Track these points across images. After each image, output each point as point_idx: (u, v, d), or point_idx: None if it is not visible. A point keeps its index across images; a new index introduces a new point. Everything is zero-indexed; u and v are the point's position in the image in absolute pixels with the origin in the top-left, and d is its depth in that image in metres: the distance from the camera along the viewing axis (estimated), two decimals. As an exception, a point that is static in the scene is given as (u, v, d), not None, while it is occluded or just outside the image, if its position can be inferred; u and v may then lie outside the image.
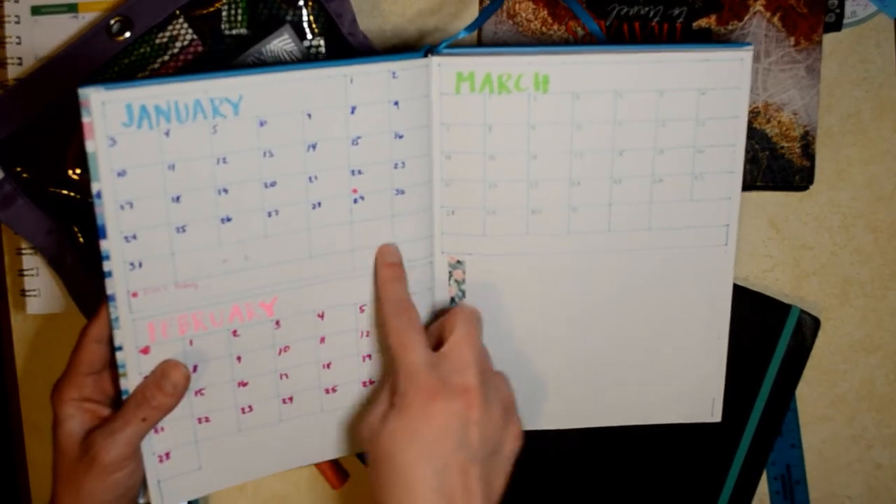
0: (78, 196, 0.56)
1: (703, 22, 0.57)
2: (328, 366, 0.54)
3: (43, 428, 0.64)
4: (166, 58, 0.56)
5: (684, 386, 0.58)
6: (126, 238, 0.46)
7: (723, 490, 0.61)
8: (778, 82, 0.58)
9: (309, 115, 0.49)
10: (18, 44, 0.56)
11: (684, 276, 0.56)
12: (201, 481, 0.53)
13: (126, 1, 0.54)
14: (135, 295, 0.47)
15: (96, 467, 0.47)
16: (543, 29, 0.57)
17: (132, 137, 0.45)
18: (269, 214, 0.49)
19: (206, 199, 0.47)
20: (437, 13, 0.59)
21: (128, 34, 0.54)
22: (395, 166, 0.52)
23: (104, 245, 0.46)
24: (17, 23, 0.56)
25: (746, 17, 0.57)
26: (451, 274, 0.56)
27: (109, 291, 0.47)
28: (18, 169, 0.56)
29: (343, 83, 0.49)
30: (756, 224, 0.61)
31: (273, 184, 0.49)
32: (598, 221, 0.55)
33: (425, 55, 0.51)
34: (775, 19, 0.57)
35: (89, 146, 0.44)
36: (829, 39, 0.58)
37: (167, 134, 0.45)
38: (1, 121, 0.55)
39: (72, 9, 0.56)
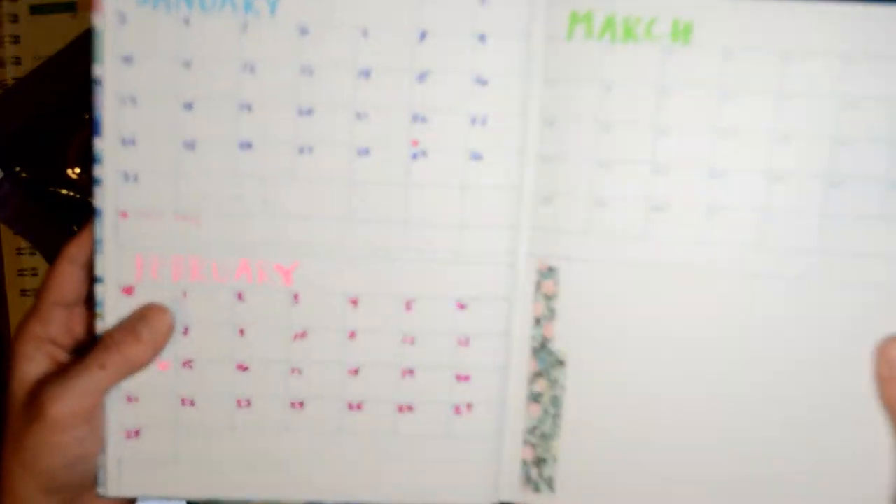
0: (78, 195, 0.56)
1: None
2: (356, 372, 0.42)
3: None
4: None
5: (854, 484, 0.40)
6: (123, 141, 0.39)
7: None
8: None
9: (365, 34, 0.39)
10: (17, 43, 0.56)
11: (870, 330, 0.40)
12: (175, 478, 0.42)
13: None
14: (124, 215, 0.40)
15: (40, 420, 0.38)
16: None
17: (145, 18, 0.38)
18: (301, 151, 0.40)
19: (224, 114, 0.39)
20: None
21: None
22: (473, 121, 0.40)
23: (98, 144, 0.39)
24: (16, 22, 0.56)
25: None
26: (538, 285, 0.42)
27: (96, 204, 0.39)
28: (18, 168, 0.55)
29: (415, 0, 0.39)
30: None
31: (310, 112, 0.40)
32: (746, 230, 0.39)
33: (533, -15, 0.40)
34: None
35: (96, 20, 0.38)
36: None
37: (186, 22, 0.38)
38: (0, 120, 0.55)
39: (70, 7, 0.56)
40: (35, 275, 0.59)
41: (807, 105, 0.38)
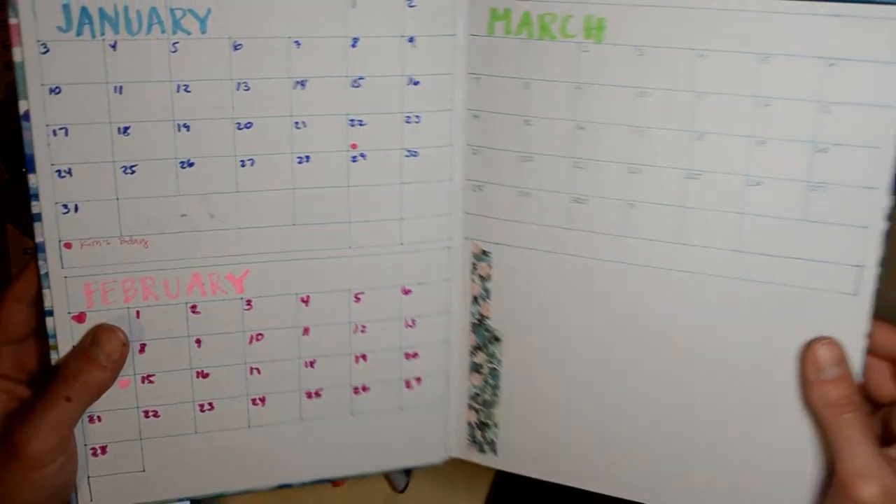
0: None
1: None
2: (311, 364, 0.44)
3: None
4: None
5: (775, 480, 0.42)
6: (59, 173, 0.38)
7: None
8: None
9: (297, 44, 0.40)
10: None
11: (789, 331, 0.40)
12: (144, 486, 0.43)
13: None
14: (68, 246, 0.39)
15: (17, 461, 0.38)
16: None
17: (69, 47, 0.37)
18: (242, 164, 0.40)
19: (161, 135, 0.39)
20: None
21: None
22: (407, 120, 0.42)
23: (32, 180, 0.38)
24: None
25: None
26: (474, 266, 0.45)
27: (38, 239, 0.39)
28: (24, 169, 0.51)
29: (343, 7, 0.40)
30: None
31: (248, 125, 0.40)
32: (663, 227, 0.41)
33: (453, -15, 0.41)
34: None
35: (16, 54, 0.36)
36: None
37: (114, 47, 0.37)
38: (5, 122, 0.50)
39: None
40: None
41: (721, 103, 0.38)
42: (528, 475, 0.47)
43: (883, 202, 0.37)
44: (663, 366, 0.42)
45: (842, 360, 0.39)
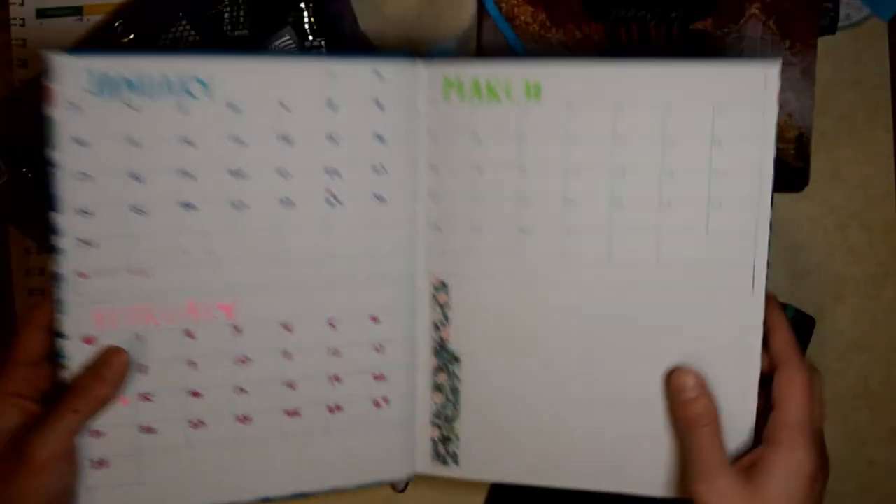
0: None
1: (699, 25, 0.55)
2: (292, 385, 0.50)
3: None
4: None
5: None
6: (80, 212, 0.44)
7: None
8: (773, 85, 0.54)
9: (285, 107, 0.47)
10: (24, 46, 0.57)
11: (700, 324, 0.49)
12: (142, 498, 0.48)
13: (130, 4, 0.55)
14: (83, 276, 0.45)
15: (26, 467, 0.43)
16: (542, 32, 0.56)
17: (94, 106, 0.44)
18: (236, 207, 0.47)
19: (168, 182, 0.46)
20: (437, 15, 0.58)
21: (132, 36, 0.55)
22: (376, 171, 0.49)
23: (56, 218, 0.44)
24: (23, 25, 0.56)
25: (742, 21, 0.55)
26: (434, 297, 0.52)
27: (57, 270, 0.44)
28: (24, 169, 0.55)
29: (323, 78, 0.47)
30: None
31: (242, 174, 0.47)
32: (595, 248, 0.49)
33: (413, 60, 0.49)
34: (771, 22, 0.55)
35: (50, 112, 0.43)
36: (823, 42, 0.58)
37: (131, 106, 0.44)
38: (6, 122, 0.56)
39: (77, 11, 0.56)
40: (41, 274, 0.59)
41: (637, 145, 0.48)
42: (488, 481, 0.53)
43: (766, 214, 0.47)
44: (600, 368, 0.50)
45: (700, 383, 0.47)
